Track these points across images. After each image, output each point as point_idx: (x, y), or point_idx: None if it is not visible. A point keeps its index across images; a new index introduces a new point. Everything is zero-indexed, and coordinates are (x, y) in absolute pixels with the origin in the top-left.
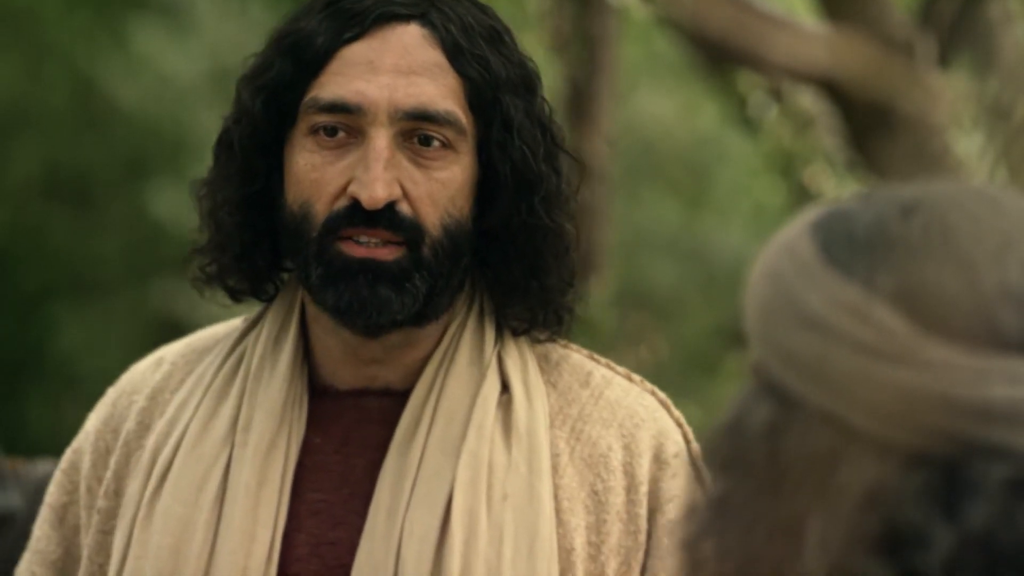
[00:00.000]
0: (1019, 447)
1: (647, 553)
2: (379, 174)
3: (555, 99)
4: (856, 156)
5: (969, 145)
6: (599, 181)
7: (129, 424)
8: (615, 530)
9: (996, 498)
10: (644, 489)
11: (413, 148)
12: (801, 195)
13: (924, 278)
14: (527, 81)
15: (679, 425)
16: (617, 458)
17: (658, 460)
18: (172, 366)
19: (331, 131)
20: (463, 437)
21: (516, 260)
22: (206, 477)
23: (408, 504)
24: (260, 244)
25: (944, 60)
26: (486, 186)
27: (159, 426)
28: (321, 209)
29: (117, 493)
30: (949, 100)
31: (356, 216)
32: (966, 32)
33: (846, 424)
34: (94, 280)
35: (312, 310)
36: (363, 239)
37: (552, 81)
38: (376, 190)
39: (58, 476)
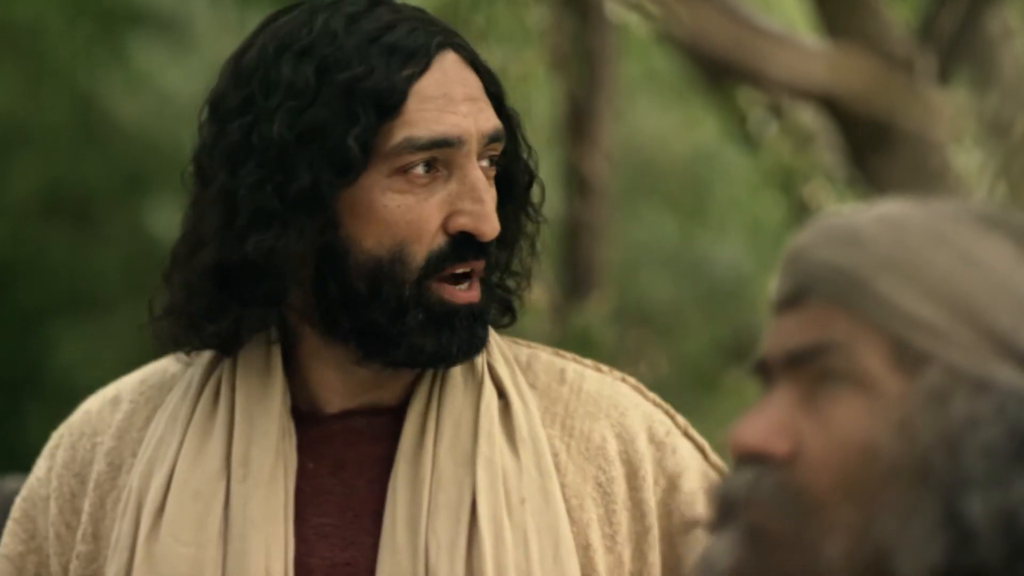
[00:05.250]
0: None
1: (661, 536)
2: (492, 205)
3: (555, 116)
4: (856, 172)
5: (969, 161)
6: (598, 197)
7: (98, 466)
8: (624, 519)
9: None
10: (642, 473)
11: (483, 170)
12: (801, 211)
13: None
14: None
15: (658, 405)
16: (613, 448)
17: (653, 442)
18: (132, 404)
19: (426, 166)
20: (474, 445)
21: (504, 263)
22: (205, 514)
23: (428, 514)
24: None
25: (944, 76)
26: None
27: (138, 466)
28: (420, 250)
29: (95, 536)
30: (949, 116)
31: (465, 249)
32: (966, 48)
33: None
34: (94, 296)
35: (314, 346)
36: (459, 271)
37: (552, 98)
38: (495, 222)
39: (11, 526)
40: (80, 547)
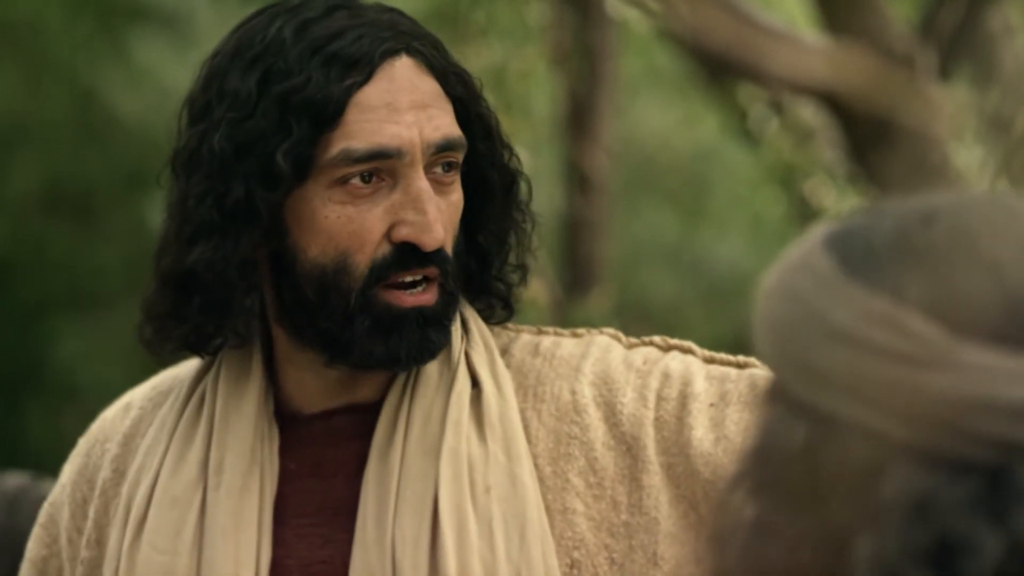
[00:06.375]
0: None
1: (660, 450)
2: (436, 215)
3: (556, 112)
4: (856, 168)
5: (969, 157)
6: (599, 193)
7: (104, 473)
8: (609, 460)
9: None
10: (619, 408)
11: (436, 177)
12: (801, 208)
13: (953, 283)
14: (476, 82)
15: (633, 345)
16: (587, 396)
17: (631, 371)
18: (141, 411)
19: (365, 177)
20: (441, 436)
21: (502, 260)
22: (181, 522)
23: (396, 509)
24: (249, 299)
25: (944, 72)
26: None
27: (130, 474)
28: (363, 259)
29: (99, 542)
30: (949, 112)
31: (409, 259)
32: (966, 44)
33: (886, 436)
34: (94, 292)
35: (287, 349)
36: (408, 279)
37: (553, 94)
38: (438, 232)
39: (37, 531)
40: (84, 553)
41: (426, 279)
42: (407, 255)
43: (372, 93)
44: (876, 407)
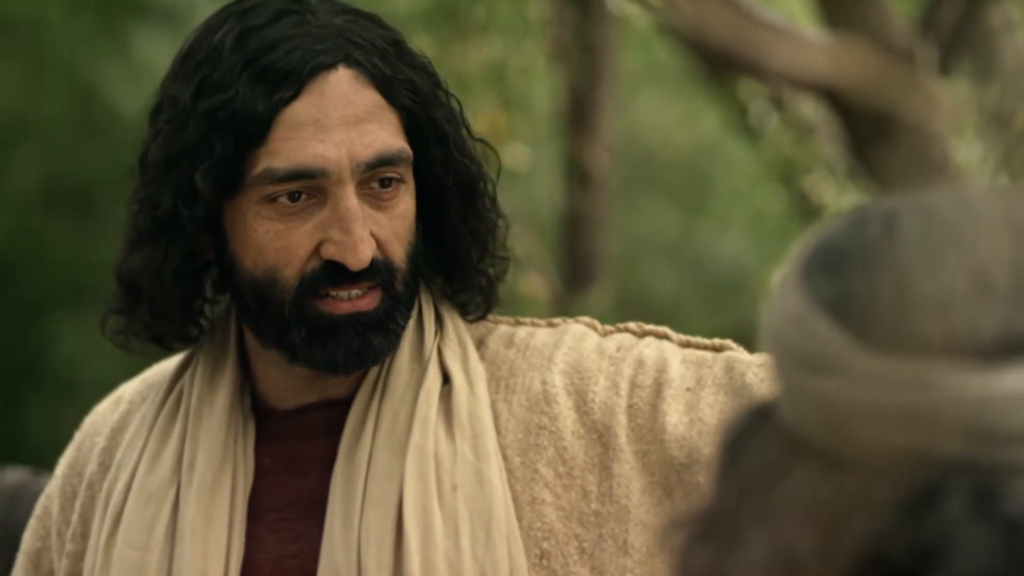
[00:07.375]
0: (943, 454)
1: (634, 437)
2: (361, 235)
3: (556, 108)
4: (857, 164)
5: (970, 153)
6: (599, 189)
7: (91, 467)
8: (578, 449)
9: (893, 512)
10: (590, 396)
11: (373, 193)
12: (802, 203)
13: (857, 287)
14: (437, 83)
15: (608, 333)
16: (558, 384)
17: (604, 359)
18: (130, 404)
19: (292, 196)
20: (409, 433)
21: (469, 260)
22: (155, 518)
23: (362, 508)
24: (195, 302)
25: (945, 68)
26: (423, 196)
27: (112, 469)
28: (291, 274)
29: (84, 536)
30: (950, 108)
31: (337, 276)
32: (967, 40)
33: (796, 436)
34: (94, 288)
35: (255, 347)
36: (343, 293)
37: (553, 90)
38: (363, 252)
39: (32, 523)
40: (69, 546)
41: (367, 290)
42: (336, 271)
43: (300, 109)
44: (790, 406)
